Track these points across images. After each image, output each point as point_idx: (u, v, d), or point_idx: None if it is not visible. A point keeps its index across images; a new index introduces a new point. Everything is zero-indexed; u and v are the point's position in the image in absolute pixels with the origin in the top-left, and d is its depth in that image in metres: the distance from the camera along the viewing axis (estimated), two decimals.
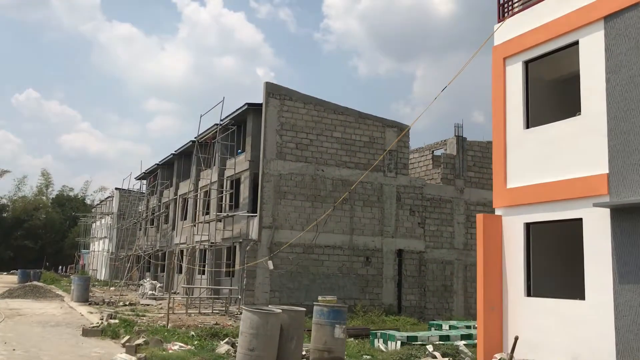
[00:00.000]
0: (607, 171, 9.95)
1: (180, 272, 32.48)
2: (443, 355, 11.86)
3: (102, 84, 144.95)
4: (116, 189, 57.26)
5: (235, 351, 10.98)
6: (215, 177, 29.68)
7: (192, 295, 25.66)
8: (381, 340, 14.94)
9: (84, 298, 25.78)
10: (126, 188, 49.62)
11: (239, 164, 27.25)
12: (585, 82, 10.59)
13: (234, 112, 27.76)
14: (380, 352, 13.67)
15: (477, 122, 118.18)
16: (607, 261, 9.78)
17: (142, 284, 32.61)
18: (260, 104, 25.22)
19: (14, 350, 12.35)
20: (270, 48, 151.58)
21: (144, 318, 18.96)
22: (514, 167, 11.95)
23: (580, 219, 10.36)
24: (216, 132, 28.50)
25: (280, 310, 10.32)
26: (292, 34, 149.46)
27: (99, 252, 59.26)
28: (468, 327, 18.01)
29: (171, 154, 39.21)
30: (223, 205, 28.17)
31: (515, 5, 12.62)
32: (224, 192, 28.45)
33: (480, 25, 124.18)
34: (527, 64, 12.05)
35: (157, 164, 42.75)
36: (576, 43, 10.88)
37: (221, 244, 27.53)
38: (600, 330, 9.78)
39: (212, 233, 28.11)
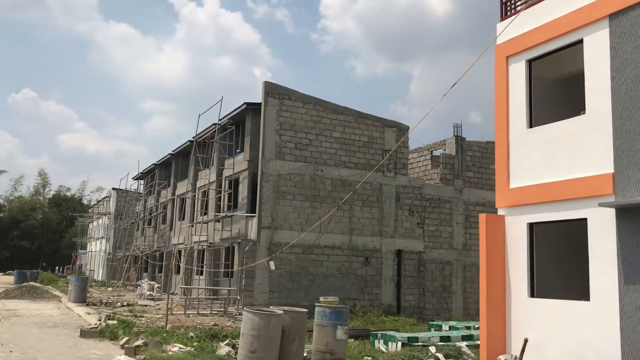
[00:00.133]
0: (612, 171, 9.84)
1: (178, 272, 32.32)
2: (446, 357, 11.74)
3: (99, 84, 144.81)
4: (113, 189, 57.09)
5: (236, 353, 10.85)
6: (213, 177, 29.52)
7: (191, 295, 25.52)
8: (382, 341, 14.84)
9: (82, 299, 25.61)
10: (123, 188, 49.45)
11: (238, 163, 27.12)
12: (590, 81, 10.48)
13: (233, 111, 27.63)
14: (381, 354, 13.55)
15: (474, 122, 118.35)
16: (612, 262, 9.68)
17: (139, 285, 32.45)
18: (259, 104, 25.10)
19: (10, 352, 12.19)
20: (267, 48, 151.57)
21: (142, 319, 18.82)
22: (517, 167, 11.84)
23: (585, 219, 10.25)
24: (214, 131, 28.34)
25: (282, 312, 10.20)
26: (289, 34, 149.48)
27: (96, 252, 59.05)
28: (468, 327, 17.93)
29: (169, 153, 39.04)
30: (221, 206, 28.04)
31: (518, 3, 12.51)
32: (223, 192, 28.31)
33: (477, 25, 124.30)
34: (530, 62, 11.94)
35: (155, 164, 42.58)
36: (580, 41, 10.77)
37: (219, 244, 27.39)
38: (605, 331, 9.68)
39: (211, 233, 27.96)
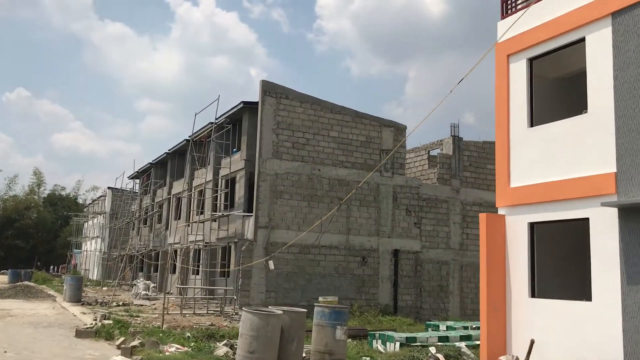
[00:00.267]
0: (615, 170, 9.76)
1: (174, 272, 32.16)
2: (446, 357, 11.64)
3: (94, 83, 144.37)
4: (109, 188, 56.84)
5: (234, 353, 10.72)
6: (210, 176, 29.38)
7: (187, 295, 25.36)
8: (379, 341, 14.73)
9: (77, 298, 25.41)
10: (119, 187, 49.24)
11: (235, 163, 26.97)
12: (592, 80, 10.40)
13: (229, 110, 27.49)
14: (379, 354, 13.45)
15: (467, 123, 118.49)
16: (614, 262, 9.60)
17: (135, 284, 32.26)
18: (256, 103, 24.97)
19: (5, 352, 12.03)
20: (263, 48, 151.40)
21: (138, 319, 18.67)
22: (518, 166, 11.76)
23: (587, 219, 10.16)
24: (211, 130, 28.20)
25: (281, 312, 10.08)
26: (285, 34, 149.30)
27: (91, 251, 58.80)
28: (466, 327, 17.86)
29: (165, 152, 38.85)
30: (218, 205, 27.88)
31: (519, 2, 12.42)
32: (219, 191, 28.15)
33: (472, 26, 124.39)
34: (531, 61, 11.85)
35: (151, 163, 42.38)
36: (582, 40, 10.69)
37: (216, 243, 27.25)
38: (607, 332, 9.59)
39: (207, 233, 27.82)
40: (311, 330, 11.25)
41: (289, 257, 23.74)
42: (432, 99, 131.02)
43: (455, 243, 28.40)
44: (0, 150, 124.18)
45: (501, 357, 10.62)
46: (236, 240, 24.84)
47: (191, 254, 30.19)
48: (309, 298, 23.54)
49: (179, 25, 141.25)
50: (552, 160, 11.00)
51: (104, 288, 36.47)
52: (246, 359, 9.55)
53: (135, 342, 12.39)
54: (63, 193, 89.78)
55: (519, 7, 12.37)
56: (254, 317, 9.65)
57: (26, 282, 38.03)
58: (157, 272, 37.30)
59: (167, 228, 37.68)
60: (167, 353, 11.36)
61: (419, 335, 15.04)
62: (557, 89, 12.74)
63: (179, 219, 34.38)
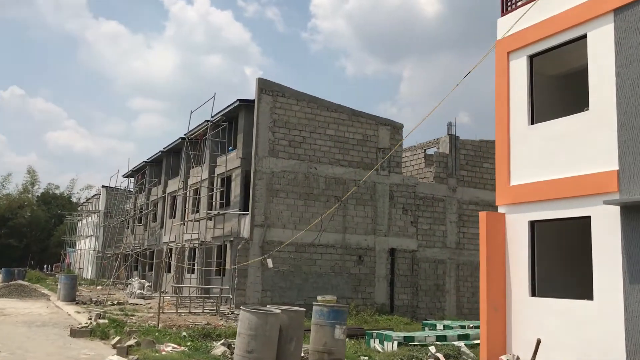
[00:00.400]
0: (617, 168, 9.67)
1: (169, 271, 31.98)
2: (445, 357, 11.54)
3: (88, 82, 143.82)
4: (103, 186, 56.56)
5: (232, 353, 10.60)
6: (205, 175, 29.21)
7: (182, 294, 25.19)
8: (377, 341, 14.62)
9: (71, 297, 25.21)
10: (113, 186, 48.97)
11: (230, 161, 26.81)
12: (594, 77, 10.30)
13: (225, 108, 27.32)
14: (377, 353, 13.35)
15: (462, 122, 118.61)
16: (617, 260, 9.50)
17: (130, 283, 32.07)
18: (252, 101, 24.82)
19: None
20: (257, 47, 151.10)
21: (134, 318, 18.50)
22: (518, 164, 11.66)
23: (589, 217, 10.07)
24: (207, 128, 28.02)
25: (280, 311, 9.95)
26: (280, 33, 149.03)
27: (85, 250, 58.49)
28: (463, 327, 17.77)
29: (160, 151, 38.64)
30: (213, 203, 27.70)
31: None
32: (215, 189, 27.97)
33: (467, 26, 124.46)
34: (531, 58, 11.75)
35: (146, 161, 42.15)
36: (584, 37, 10.60)
37: (211, 242, 27.09)
38: (609, 331, 9.51)
39: (202, 231, 27.64)
40: (309, 330, 11.12)
41: (285, 255, 23.60)
42: (426, 98, 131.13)
43: (451, 242, 28.32)
44: None
45: (502, 357, 10.53)
46: (232, 239, 24.69)
47: (186, 253, 30.01)
48: (305, 297, 23.43)
49: (173, 24, 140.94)
50: (553, 158, 10.91)
51: (98, 287, 36.24)
52: (244, 358, 9.42)
53: (131, 342, 12.26)
54: (57, 192, 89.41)
55: (519, 4, 12.27)
56: (253, 316, 9.52)
57: (20, 281, 37.72)
58: (152, 271, 37.10)
59: (162, 227, 37.48)
60: (163, 352, 11.21)
61: (417, 334, 14.95)
62: (557, 86, 12.65)
63: (174, 217, 34.18)
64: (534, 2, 11.64)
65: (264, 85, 24.58)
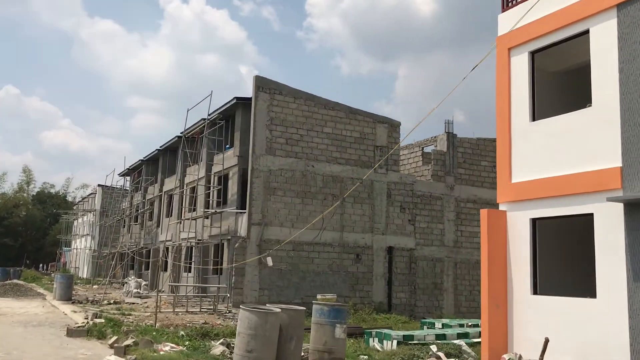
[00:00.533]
0: (620, 164, 9.58)
1: (166, 270, 31.80)
2: (447, 356, 11.44)
3: (83, 81, 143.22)
4: (99, 185, 56.29)
5: (231, 352, 10.47)
6: (202, 173, 29.03)
7: (179, 293, 25.04)
8: (376, 340, 14.50)
9: (67, 296, 25.03)
10: (109, 185, 48.72)
11: (227, 159, 26.65)
12: (597, 73, 10.21)
13: (222, 106, 27.15)
14: (376, 352, 13.22)
15: (456, 120, 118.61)
16: (620, 258, 9.42)
17: (126, 282, 31.88)
18: (249, 98, 24.68)
19: None
20: (253, 46, 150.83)
21: (130, 317, 18.34)
22: (520, 161, 11.56)
23: (591, 214, 9.98)
24: (203, 126, 27.84)
25: (280, 310, 9.82)
26: (275, 32, 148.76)
27: (81, 249, 58.25)
28: (461, 325, 17.65)
29: (156, 149, 38.43)
30: (210, 202, 27.56)
31: None
32: (212, 188, 27.82)
33: (461, 26, 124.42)
34: (533, 54, 11.65)
35: (142, 160, 41.92)
36: (586, 32, 10.50)
37: (208, 241, 26.93)
38: (612, 330, 9.42)
39: (199, 230, 27.49)
40: (309, 329, 11.00)
41: (282, 254, 23.47)
42: (422, 97, 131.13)
43: (449, 240, 28.24)
44: None
45: (504, 355, 10.43)
46: (229, 237, 24.55)
47: (183, 252, 29.85)
48: (303, 296, 23.32)
49: (168, 23, 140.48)
50: (555, 155, 10.81)
51: (94, 286, 36.04)
52: (244, 358, 9.29)
53: (129, 341, 12.10)
54: (52, 191, 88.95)
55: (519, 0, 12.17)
56: (252, 316, 9.40)
57: (15, 281, 37.59)
58: (148, 269, 36.92)
59: (158, 225, 37.29)
60: (161, 352, 11.07)
61: (416, 333, 14.83)
62: (557, 83, 12.56)
63: (171, 216, 34.01)
64: None
65: (261, 83, 24.44)
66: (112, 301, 24.52)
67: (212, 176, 28.48)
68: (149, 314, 19.31)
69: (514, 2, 12.27)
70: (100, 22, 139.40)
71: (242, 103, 25.85)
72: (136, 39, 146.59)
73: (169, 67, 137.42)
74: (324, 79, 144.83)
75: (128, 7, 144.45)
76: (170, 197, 35.22)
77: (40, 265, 70.82)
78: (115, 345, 11.92)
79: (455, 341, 13.53)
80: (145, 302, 24.52)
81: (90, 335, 14.27)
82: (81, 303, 23.82)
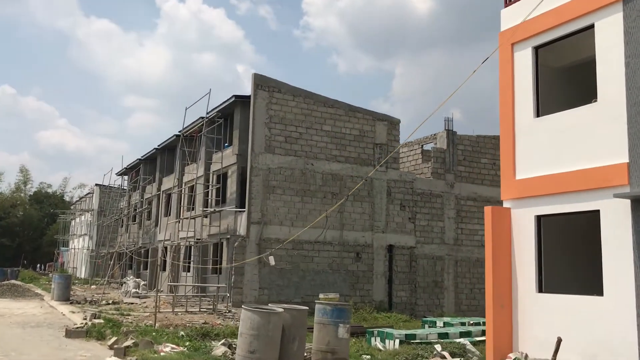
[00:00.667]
0: (627, 160, 9.44)
1: (164, 269, 31.63)
2: (451, 355, 11.30)
3: (80, 80, 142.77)
4: (96, 185, 56.03)
5: (233, 353, 10.33)
6: (201, 172, 28.87)
7: (178, 293, 24.87)
8: (378, 339, 14.37)
9: (65, 297, 24.83)
10: (106, 184, 48.48)
11: (226, 157, 26.48)
12: (602, 68, 10.07)
13: (221, 104, 26.98)
14: (379, 352, 13.09)
15: (454, 119, 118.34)
16: (627, 255, 9.28)
17: (125, 282, 31.70)
18: (248, 97, 24.52)
19: None
20: (250, 45, 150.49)
21: (130, 317, 18.19)
22: (524, 158, 11.42)
23: (598, 211, 9.84)
24: (202, 125, 27.67)
25: (282, 310, 9.67)
26: (272, 30, 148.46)
27: (78, 249, 57.96)
28: (463, 324, 17.52)
29: (154, 148, 38.24)
30: (209, 201, 27.40)
31: None
32: (210, 186, 27.65)
33: (459, 24, 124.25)
34: (536, 49, 11.50)
35: (140, 159, 41.72)
36: (591, 27, 10.36)
37: (207, 240, 26.77)
38: (619, 328, 9.29)
39: (198, 229, 27.32)
40: (312, 329, 10.85)
41: (282, 253, 23.30)
42: (419, 95, 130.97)
43: (449, 238, 28.12)
44: None
45: (510, 354, 10.29)
46: (228, 236, 24.40)
47: (182, 251, 29.67)
48: (303, 295, 23.18)
49: (165, 22, 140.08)
50: (560, 151, 10.67)
51: (92, 286, 35.84)
52: (247, 359, 9.15)
53: (129, 342, 11.95)
54: (49, 191, 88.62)
55: None
56: (255, 316, 9.25)
57: (13, 281, 37.37)
58: (146, 269, 36.72)
59: (157, 225, 37.10)
60: (162, 353, 10.92)
61: (419, 332, 14.72)
62: (562, 78, 12.41)
63: (169, 215, 33.83)
64: None
65: (260, 81, 24.29)
66: (110, 301, 24.34)
67: (211, 175, 28.30)
68: (148, 314, 19.15)
69: None
70: (96, 21, 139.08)
71: (241, 101, 25.68)
72: (133, 38, 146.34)
73: (165, 67, 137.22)
74: (321, 77, 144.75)
75: (124, 7, 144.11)
76: (169, 196, 35.04)
77: (38, 265, 70.50)
78: (115, 346, 11.76)
79: (459, 340, 13.40)
80: (144, 302, 24.35)
81: (90, 336, 14.12)
82: (79, 303, 23.64)
